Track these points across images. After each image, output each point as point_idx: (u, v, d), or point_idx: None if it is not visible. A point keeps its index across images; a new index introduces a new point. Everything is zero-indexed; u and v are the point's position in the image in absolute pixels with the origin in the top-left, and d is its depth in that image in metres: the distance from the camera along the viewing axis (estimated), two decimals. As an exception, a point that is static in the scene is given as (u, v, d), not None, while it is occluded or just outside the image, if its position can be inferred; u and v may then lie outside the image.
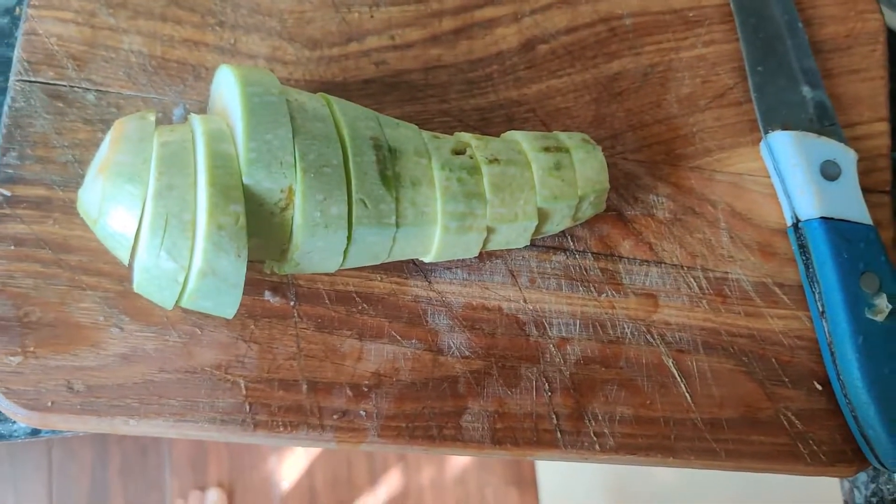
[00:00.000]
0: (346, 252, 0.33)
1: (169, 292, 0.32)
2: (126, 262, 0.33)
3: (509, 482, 1.20)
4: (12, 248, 0.36)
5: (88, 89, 0.38)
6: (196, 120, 0.32)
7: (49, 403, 0.34)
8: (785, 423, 0.39)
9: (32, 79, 0.38)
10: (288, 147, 0.31)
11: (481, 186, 0.34)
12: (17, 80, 0.38)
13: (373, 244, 0.33)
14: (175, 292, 0.32)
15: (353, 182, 0.32)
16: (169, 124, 0.38)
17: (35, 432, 0.38)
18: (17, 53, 0.38)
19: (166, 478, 1.13)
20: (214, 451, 1.15)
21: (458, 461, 1.19)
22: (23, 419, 0.35)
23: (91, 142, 0.37)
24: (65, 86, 0.38)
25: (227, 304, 0.32)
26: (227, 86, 0.33)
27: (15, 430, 0.38)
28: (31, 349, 0.35)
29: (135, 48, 0.39)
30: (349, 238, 0.32)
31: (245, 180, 0.30)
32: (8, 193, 0.36)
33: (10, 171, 0.37)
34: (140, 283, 0.32)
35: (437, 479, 1.19)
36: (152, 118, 0.33)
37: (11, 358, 0.35)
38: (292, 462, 1.16)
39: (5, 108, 0.37)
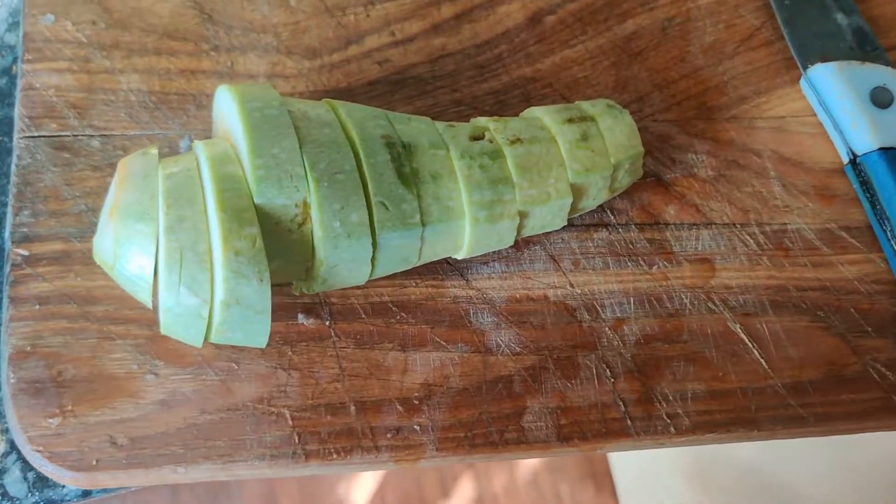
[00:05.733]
0: (373, 260, 0.32)
1: (195, 329, 0.31)
2: (150, 305, 0.32)
3: (584, 475, 1.18)
4: (37, 307, 0.35)
5: (93, 136, 0.38)
6: (199, 146, 0.31)
7: (94, 462, 0.33)
8: (875, 375, 0.38)
9: (36, 133, 0.37)
10: (296, 158, 0.30)
11: (506, 170, 0.33)
12: (21, 138, 0.37)
13: (400, 247, 0.32)
14: (202, 328, 0.31)
15: (370, 185, 0.31)
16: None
17: (86, 493, 0.38)
18: (18, 110, 0.38)
19: (239, 518, 1.14)
20: (284, 486, 1.15)
21: (529, 462, 1.17)
22: (70, 481, 0.34)
23: (102, 188, 0.37)
24: (68, 135, 0.37)
25: (257, 332, 0.31)
26: (226, 106, 0.32)
27: (66, 494, 0.38)
28: (70, 408, 0.34)
29: (133, 87, 0.38)
30: (374, 245, 0.31)
31: (256, 200, 0.29)
32: (26, 253, 0.36)
33: (24, 230, 0.36)
34: (166, 324, 0.31)
35: (510, 483, 1.18)
36: (154, 152, 0.32)
37: (51, 420, 0.34)
38: (361, 486, 1.16)
39: (12, 167, 0.37)
